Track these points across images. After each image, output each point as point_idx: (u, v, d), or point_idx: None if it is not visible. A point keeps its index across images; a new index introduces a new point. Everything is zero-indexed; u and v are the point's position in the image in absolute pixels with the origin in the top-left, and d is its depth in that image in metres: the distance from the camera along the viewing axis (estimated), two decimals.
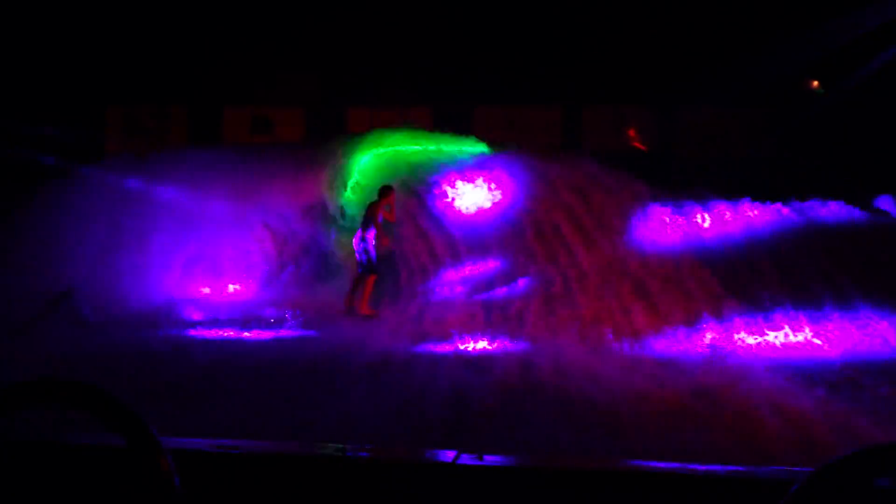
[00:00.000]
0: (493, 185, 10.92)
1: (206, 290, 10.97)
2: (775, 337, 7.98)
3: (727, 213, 10.11)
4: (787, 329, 8.06)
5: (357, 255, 9.87)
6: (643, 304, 8.85)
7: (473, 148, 11.66)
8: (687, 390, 6.13)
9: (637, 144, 13.06)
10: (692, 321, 8.34)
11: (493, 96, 14.82)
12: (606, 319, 8.67)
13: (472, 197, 10.84)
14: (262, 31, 14.64)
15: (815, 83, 14.35)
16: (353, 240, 9.91)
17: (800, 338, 7.94)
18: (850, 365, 6.90)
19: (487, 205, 10.77)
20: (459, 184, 10.92)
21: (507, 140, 12.51)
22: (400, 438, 4.93)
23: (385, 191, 10.04)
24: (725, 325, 8.21)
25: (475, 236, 10.36)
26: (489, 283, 9.79)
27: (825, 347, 7.67)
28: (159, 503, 1.19)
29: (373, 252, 9.74)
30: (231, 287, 11.17)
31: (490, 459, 1.68)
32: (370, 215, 9.84)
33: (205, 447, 1.77)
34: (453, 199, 10.81)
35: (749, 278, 8.87)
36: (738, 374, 6.64)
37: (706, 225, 10.01)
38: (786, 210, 10.12)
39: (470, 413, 5.63)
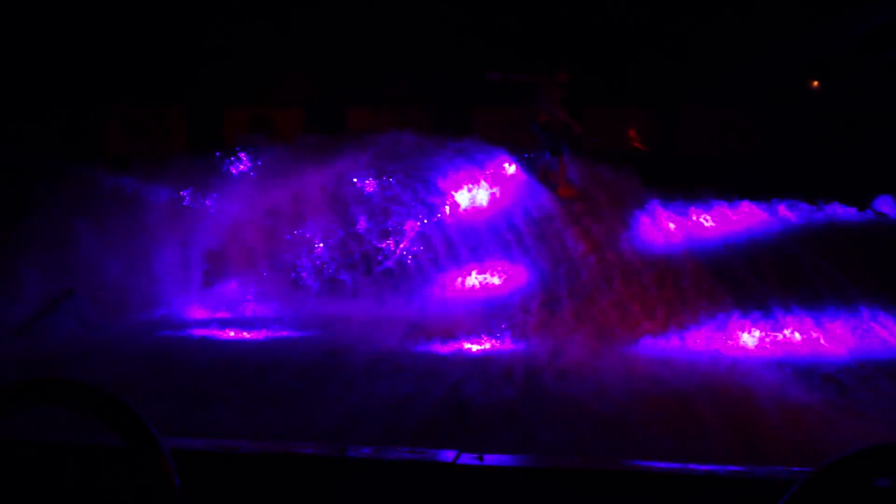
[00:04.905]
0: (493, 185, 10.91)
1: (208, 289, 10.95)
2: (776, 337, 7.97)
3: (727, 212, 10.11)
4: (787, 329, 8.06)
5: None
6: (643, 304, 8.86)
7: None
8: (687, 390, 6.12)
9: (637, 144, 13.08)
10: (693, 321, 8.34)
11: (494, 96, 14.81)
12: (607, 319, 8.67)
13: (472, 196, 10.84)
14: (261, 31, 14.64)
15: (815, 83, 14.35)
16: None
17: (800, 338, 7.93)
18: (850, 365, 6.89)
19: (487, 204, 10.76)
20: (460, 183, 10.91)
21: (507, 140, 12.47)
22: (400, 439, 4.93)
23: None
24: (726, 325, 8.21)
25: (475, 236, 10.36)
26: (490, 283, 9.80)
27: (826, 347, 7.67)
28: (159, 503, 1.19)
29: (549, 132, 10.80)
30: (231, 287, 11.16)
31: (490, 459, 1.68)
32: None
33: (205, 447, 1.77)
34: (454, 199, 10.81)
35: (749, 278, 8.87)
36: (739, 373, 6.64)
37: (707, 225, 10.01)
38: (786, 210, 10.12)
39: (470, 414, 5.62)
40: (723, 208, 10.14)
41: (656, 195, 10.40)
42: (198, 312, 10.19)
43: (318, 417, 5.39)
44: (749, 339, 7.99)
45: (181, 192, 10.69)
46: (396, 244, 10.62)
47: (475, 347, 8.10)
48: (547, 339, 8.34)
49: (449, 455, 1.71)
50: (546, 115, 10.81)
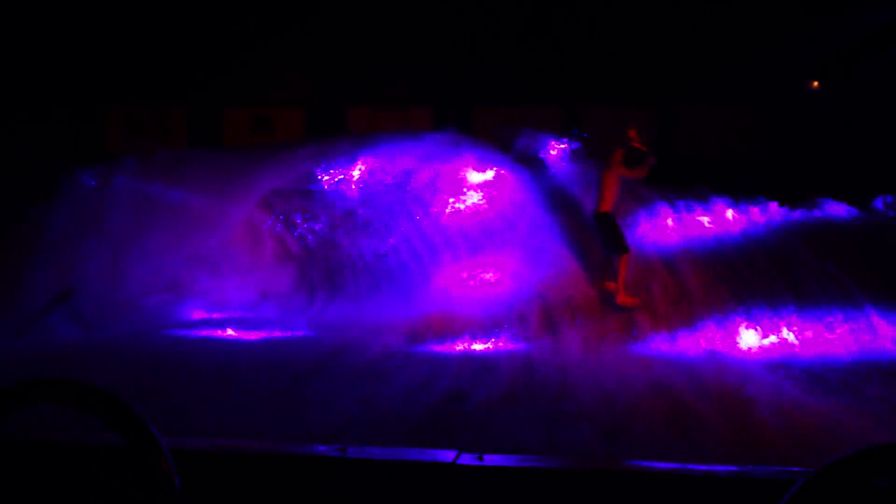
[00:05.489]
0: (492, 185, 10.91)
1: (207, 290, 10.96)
2: (775, 337, 7.98)
3: (727, 212, 10.11)
4: (787, 329, 8.06)
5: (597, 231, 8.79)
6: (643, 304, 8.85)
7: None
8: (687, 390, 6.13)
9: (637, 145, 13.06)
10: (693, 321, 8.34)
11: (493, 96, 14.82)
12: (607, 319, 8.67)
13: (472, 195, 10.83)
14: (261, 31, 14.64)
15: (815, 83, 14.35)
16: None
17: (800, 338, 7.94)
18: (850, 365, 6.90)
19: (487, 204, 10.76)
20: (459, 182, 10.91)
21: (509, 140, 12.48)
22: (400, 439, 4.93)
23: (622, 142, 8.71)
24: (726, 325, 8.21)
25: (474, 236, 10.36)
26: (489, 283, 9.80)
27: (826, 347, 7.67)
28: (159, 503, 1.19)
29: (613, 225, 8.67)
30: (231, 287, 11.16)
31: (490, 459, 1.68)
32: (605, 176, 8.73)
33: (205, 447, 1.77)
34: (453, 197, 10.80)
35: (749, 278, 8.87)
36: (739, 374, 6.64)
37: (706, 224, 10.01)
38: (786, 210, 10.13)
39: (470, 413, 5.62)
40: (723, 208, 10.14)
41: (656, 195, 10.40)
42: (198, 312, 10.19)
43: (318, 418, 5.39)
44: (749, 338, 7.99)
45: (180, 192, 10.68)
46: (395, 245, 10.62)
47: (475, 347, 8.10)
48: (547, 338, 8.35)
49: (449, 455, 1.71)
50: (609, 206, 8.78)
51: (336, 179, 11.27)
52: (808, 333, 7.96)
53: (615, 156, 8.85)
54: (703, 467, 1.64)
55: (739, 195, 10.29)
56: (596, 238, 9.03)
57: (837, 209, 10.19)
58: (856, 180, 10.95)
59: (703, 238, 9.77)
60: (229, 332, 9.02)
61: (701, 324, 8.25)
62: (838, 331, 7.94)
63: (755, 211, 10.13)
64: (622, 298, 8.69)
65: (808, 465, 1.17)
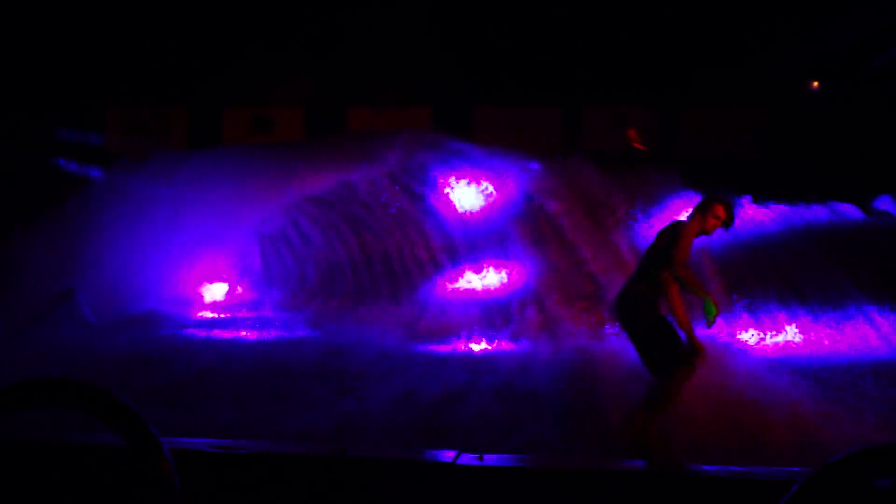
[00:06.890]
0: (492, 185, 10.90)
1: (207, 291, 10.96)
2: (776, 337, 7.97)
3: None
4: (787, 329, 8.05)
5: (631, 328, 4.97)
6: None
7: None
8: (686, 389, 6.11)
9: (637, 145, 13.06)
10: (693, 320, 8.32)
11: (493, 96, 14.83)
12: (608, 319, 8.66)
13: (471, 196, 10.83)
14: (262, 31, 14.64)
15: (816, 83, 14.36)
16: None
17: (800, 338, 7.93)
18: (850, 365, 6.89)
19: (486, 204, 10.76)
20: (458, 183, 10.90)
21: (507, 140, 12.47)
22: (400, 439, 4.93)
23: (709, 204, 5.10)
24: (726, 325, 8.20)
25: (474, 236, 10.36)
26: (489, 283, 9.80)
27: (825, 347, 7.66)
28: (159, 503, 1.19)
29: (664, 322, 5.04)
30: (231, 288, 11.16)
31: (490, 459, 1.69)
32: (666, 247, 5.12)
33: (205, 447, 1.77)
34: (452, 198, 10.80)
35: (749, 278, 8.86)
36: (739, 373, 6.63)
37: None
38: (786, 210, 10.11)
39: (470, 413, 5.62)
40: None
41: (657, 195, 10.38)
42: (198, 312, 10.19)
43: (318, 418, 5.39)
44: (749, 338, 7.98)
45: (179, 192, 10.69)
46: (394, 246, 10.61)
47: (474, 347, 8.10)
48: (546, 338, 8.34)
49: (449, 455, 1.71)
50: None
51: (337, 182, 11.26)
52: (809, 333, 7.95)
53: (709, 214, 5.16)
54: (704, 467, 1.64)
55: (740, 195, 10.29)
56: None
57: (838, 209, 10.18)
58: (856, 180, 10.96)
59: (702, 237, 9.74)
60: (230, 332, 9.01)
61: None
62: (839, 330, 7.93)
63: (756, 211, 10.12)
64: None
65: (808, 465, 1.17)
